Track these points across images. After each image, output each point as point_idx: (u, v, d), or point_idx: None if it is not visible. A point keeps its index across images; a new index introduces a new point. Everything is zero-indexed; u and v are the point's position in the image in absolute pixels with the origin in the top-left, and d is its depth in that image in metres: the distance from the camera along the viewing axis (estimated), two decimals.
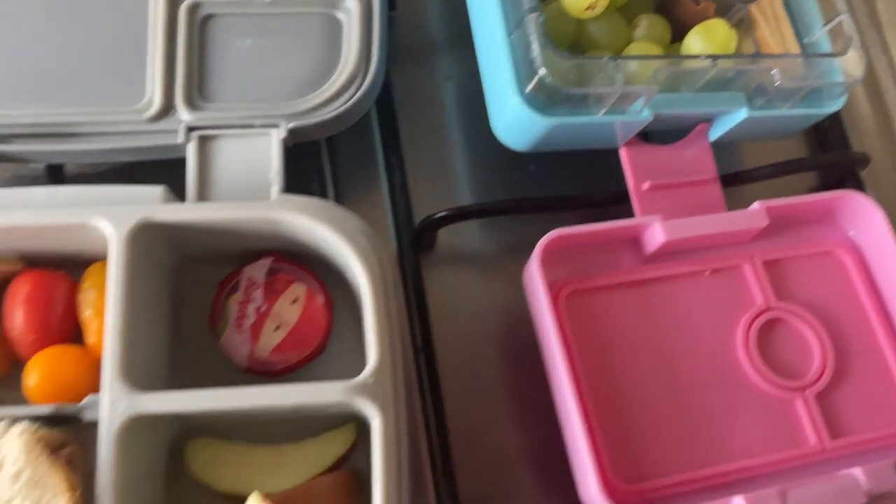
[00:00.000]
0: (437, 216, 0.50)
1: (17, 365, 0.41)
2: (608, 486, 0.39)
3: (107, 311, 0.37)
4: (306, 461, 0.41)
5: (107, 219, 0.38)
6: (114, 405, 0.36)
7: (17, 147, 0.45)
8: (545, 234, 0.44)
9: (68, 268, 0.43)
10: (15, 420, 0.36)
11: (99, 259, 0.43)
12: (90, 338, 0.41)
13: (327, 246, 0.41)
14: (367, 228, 0.41)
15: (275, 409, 0.37)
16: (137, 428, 0.36)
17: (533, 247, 0.45)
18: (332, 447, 0.42)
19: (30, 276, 0.41)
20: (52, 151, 0.45)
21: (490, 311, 0.55)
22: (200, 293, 0.45)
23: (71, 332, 0.42)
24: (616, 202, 0.50)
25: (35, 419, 0.36)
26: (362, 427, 0.42)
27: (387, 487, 0.36)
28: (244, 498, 0.39)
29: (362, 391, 0.37)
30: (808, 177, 0.61)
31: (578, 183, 0.55)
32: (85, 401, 0.37)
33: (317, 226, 0.40)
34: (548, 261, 0.43)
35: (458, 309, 0.55)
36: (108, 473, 0.35)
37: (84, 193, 0.40)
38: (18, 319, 0.40)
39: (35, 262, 0.43)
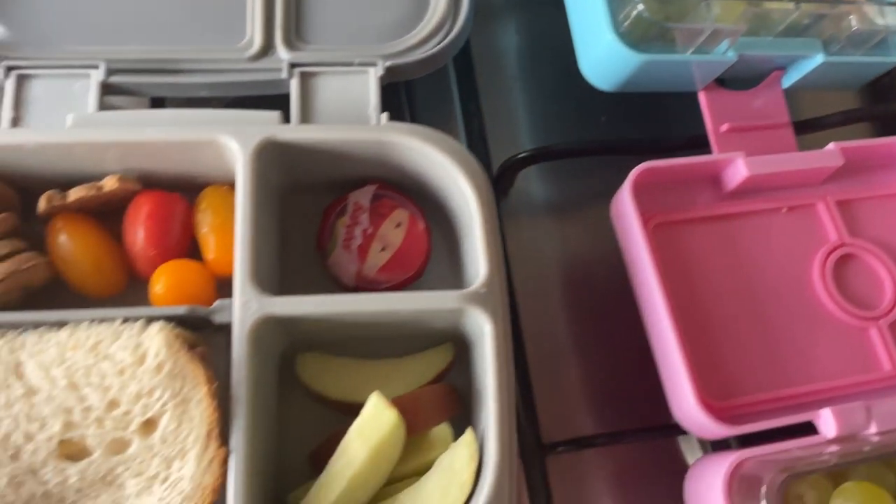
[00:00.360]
0: (519, 156, 0.53)
1: (132, 281, 0.44)
2: (700, 402, 0.41)
3: (237, 221, 0.39)
4: (409, 375, 0.44)
5: (234, 137, 0.41)
6: (245, 306, 0.38)
7: (127, 79, 0.47)
8: (616, 180, 0.47)
9: (181, 191, 0.45)
10: (150, 320, 0.38)
11: (212, 183, 0.45)
12: (208, 254, 0.43)
13: (434, 168, 0.43)
14: (469, 154, 0.43)
15: (394, 315, 0.39)
16: (265, 329, 0.38)
17: (604, 192, 0.48)
18: (432, 363, 0.44)
19: (150, 195, 0.43)
20: (161, 84, 0.48)
21: (562, 255, 0.58)
22: (303, 220, 0.47)
23: (186, 249, 0.44)
24: (692, 147, 0.52)
25: (169, 319, 0.38)
26: (459, 348, 0.45)
27: (500, 390, 0.38)
28: (351, 405, 0.41)
29: (475, 299, 0.39)
30: (864, 131, 0.64)
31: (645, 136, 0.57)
32: (216, 304, 0.39)
33: (427, 148, 0.42)
34: (637, 192, 0.45)
35: (531, 253, 0.57)
36: (241, 369, 0.37)
37: (206, 115, 0.42)
38: (140, 236, 0.43)
39: (150, 185, 0.45)
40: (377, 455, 0.38)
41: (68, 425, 0.36)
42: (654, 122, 0.62)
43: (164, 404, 0.36)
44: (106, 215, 0.45)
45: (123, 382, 0.36)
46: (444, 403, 0.42)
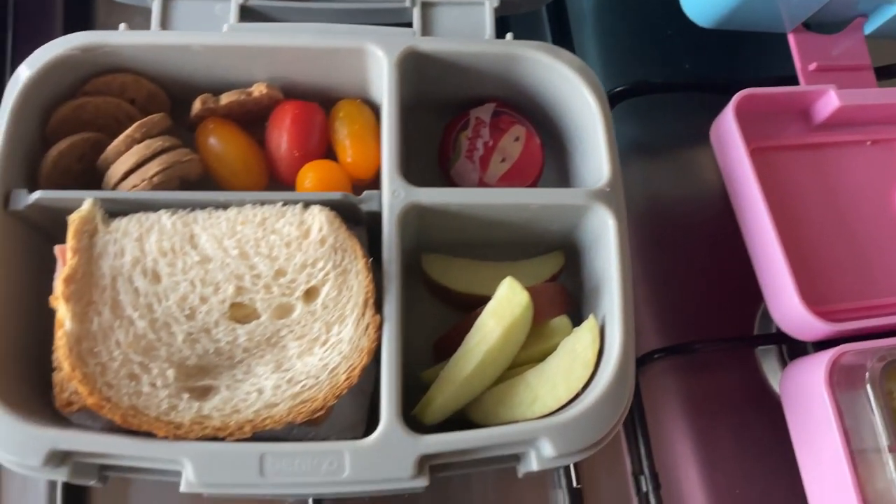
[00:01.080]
0: (616, 90, 0.56)
1: (272, 183, 0.48)
2: (803, 302, 0.45)
3: (384, 121, 0.43)
4: (526, 275, 0.47)
5: (380, 45, 0.44)
6: (395, 195, 0.42)
7: (264, 3, 0.51)
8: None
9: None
10: (307, 204, 0.42)
11: (344, 97, 0.49)
12: (346, 158, 0.47)
13: (557, 82, 0.46)
14: (590, 69, 0.46)
15: (524, 210, 0.43)
16: (410, 216, 0.42)
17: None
18: (546, 266, 0.48)
19: (294, 103, 0.47)
20: (294, 9, 0.51)
21: (642, 191, 0.61)
22: (422, 137, 0.50)
23: (323, 154, 0.48)
24: (780, 85, 0.56)
25: (324, 204, 0.42)
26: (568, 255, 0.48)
27: (624, 279, 0.42)
28: (474, 298, 0.45)
29: (600, 197, 0.43)
30: None
31: None
32: (364, 195, 0.43)
33: (554, 62, 0.45)
34: (738, 116, 0.49)
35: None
36: (391, 249, 0.41)
37: (348, 28, 0.46)
38: (285, 139, 0.46)
39: (289, 96, 0.48)
40: (509, 333, 0.41)
41: (239, 290, 0.40)
42: (731, 69, 0.65)
43: (327, 274, 0.40)
44: (245, 125, 0.48)
45: (290, 253, 0.40)
46: (560, 299, 0.46)
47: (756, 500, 0.52)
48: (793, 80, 0.54)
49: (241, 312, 0.40)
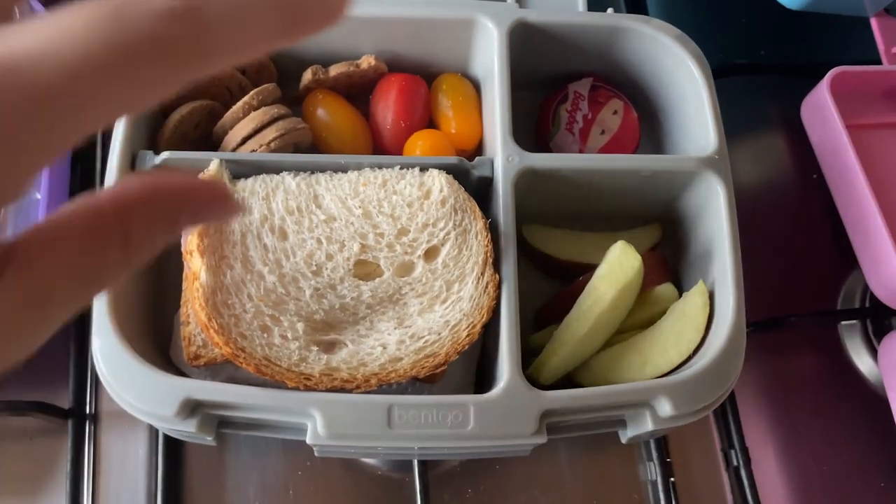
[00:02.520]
0: None
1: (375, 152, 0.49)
2: None
3: (496, 89, 0.44)
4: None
5: (490, 17, 0.46)
6: (509, 160, 0.43)
7: None
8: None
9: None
10: (423, 168, 0.43)
11: (444, 71, 0.50)
12: (450, 129, 0.48)
13: (661, 54, 0.47)
14: (693, 42, 0.47)
15: (634, 176, 0.44)
16: (524, 181, 0.43)
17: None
18: (646, 236, 0.49)
19: (400, 76, 0.48)
20: None
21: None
22: (517, 113, 0.51)
23: (426, 125, 0.49)
24: None
25: (439, 168, 0.43)
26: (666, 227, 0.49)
27: (734, 243, 0.42)
28: (576, 265, 0.46)
29: (710, 164, 0.44)
30: None
31: None
32: (476, 160, 0.44)
33: (659, 34, 0.47)
34: (833, 93, 0.50)
35: None
36: (508, 212, 0.42)
37: (457, 1, 0.47)
38: (392, 109, 0.48)
39: (392, 70, 0.50)
40: (622, 296, 0.42)
41: (364, 248, 0.41)
42: (805, 55, 0.66)
43: (447, 233, 0.41)
44: (348, 97, 0.50)
45: (412, 213, 0.41)
46: (663, 267, 0.47)
47: (843, 475, 0.53)
48: (869, 64, 0.55)
49: (364, 270, 0.41)
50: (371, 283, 0.40)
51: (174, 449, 0.49)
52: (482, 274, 0.40)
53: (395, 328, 0.40)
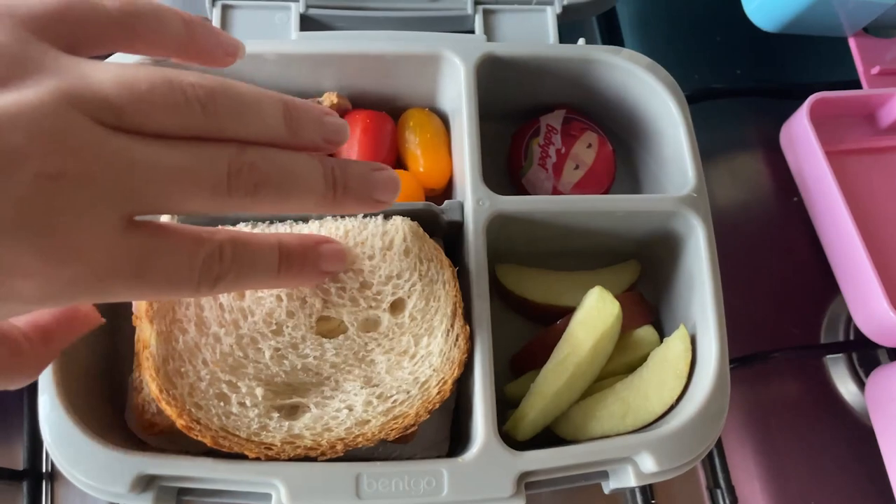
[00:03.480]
0: None
1: None
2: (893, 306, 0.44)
3: (464, 129, 0.42)
4: (605, 283, 0.45)
5: (456, 52, 0.44)
6: (480, 203, 0.41)
7: (323, 12, 0.50)
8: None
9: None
10: (388, 215, 0.40)
11: (411, 106, 0.48)
12: (418, 167, 0.46)
13: (635, 86, 0.46)
14: (668, 74, 0.46)
15: (610, 217, 0.42)
16: (494, 226, 0.41)
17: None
18: (624, 274, 0.47)
19: (364, 113, 0.46)
20: (353, 18, 0.50)
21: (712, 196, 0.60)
22: (486, 147, 0.49)
23: (393, 163, 0.47)
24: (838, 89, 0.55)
25: (405, 214, 0.41)
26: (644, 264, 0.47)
27: (715, 284, 0.41)
28: (551, 308, 0.44)
29: (688, 203, 0.42)
30: None
31: None
32: (446, 204, 0.42)
33: (632, 66, 0.45)
34: (812, 119, 0.48)
35: None
36: (479, 255, 0.40)
37: (417, 35, 0.45)
38: (355, 148, 0.45)
39: (357, 107, 0.47)
40: (600, 344, 0.40)
41: (326, 303, 0.38)
42: (782, 76, 0.65)
43: (413, 285, 0.39)
44: None
45: (374, 266, 0.39)
46: (642, 308, 0.45)
47: None
48: (848, 86, 0.54)
49: (327, 327, 0.39)
50: (335, 341, 0.38)
51: None
52: (452, 326, 0.38)
53: (362, 388, 0.38)
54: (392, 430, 0.37)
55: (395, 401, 0.37)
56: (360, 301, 0.39)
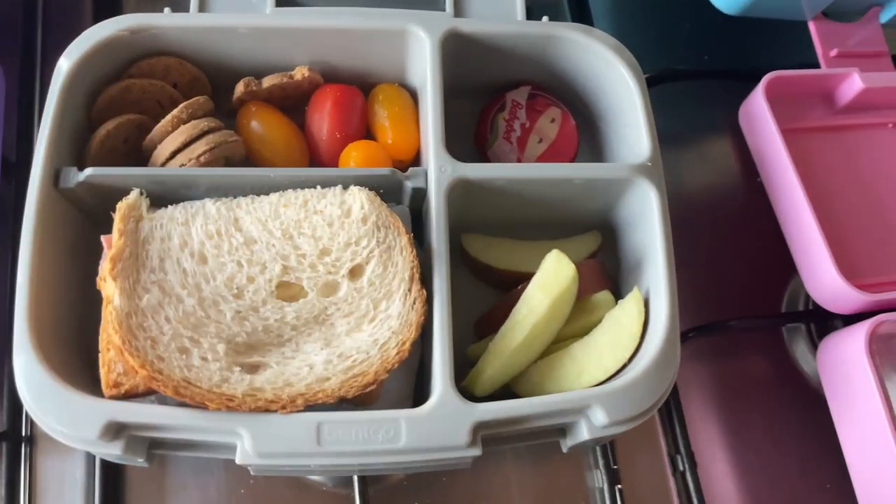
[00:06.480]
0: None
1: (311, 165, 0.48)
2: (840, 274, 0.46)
3: (427, 99, 0.44)
4: (566, 252, 0.47)
5: (422, 27, 0.45)
6: (441, 170, 0.43)
7: None
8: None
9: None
10: (356, 181, 0.42)
11: (381, 81, 0.50)
12: (386, 139, 0.48)
13: (594, 62, 0.47)
14: (626, 49, 0.47)
15: (567, 185, 0.44)
16: (455, 193, 0.43)
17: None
18: (585, 244, 0.49)
19: (335, 87, 0.48)
20: None
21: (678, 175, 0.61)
22: (455, 122, 0.51)
23: (362, 135, 0.49)
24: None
25: (370, 180, 0.42)
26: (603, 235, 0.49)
27: (667, 250, 0.42)
28: (515, 275, 0.45)
29: (643, 171, 0.44)
30: None
31: None
32: (410, 171, 0.44)
33: (592, 42, 0.47)
34: (768, 97, 0.50)
35: None
36: (439, 223, 0.42)
37: (386, 12, 0.47)
38: (326, 121, 0.47)
39: (328, 81, 0.49)
40: (557, 305, 0.42)
41: (286, 269, 0.40)
42: (748, 60, 0.67)
43: (371, 251, 0.40)
44: (283, 109, 0.49)
45: (333, 233, 0.41)
46: (600, 275, 0.47)
47: (790, 476, 0.53)
48: (808, 68, 0.56)
49: (288, 292, 0.40)
50: (295, 305, 0.40)
51: (112, 471, 0.48)
52: (409, 290, 0.40)
53: (322, 349, 0.39)
54: (352, 388, 0.38)
55: (354, 360, 0.39)
56: (319, 267, 0.40)
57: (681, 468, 0.51)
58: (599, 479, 0.50)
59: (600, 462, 0.50)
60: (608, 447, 0.51)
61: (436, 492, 0.50)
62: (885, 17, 0.58)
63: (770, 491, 0.53)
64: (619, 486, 0.50)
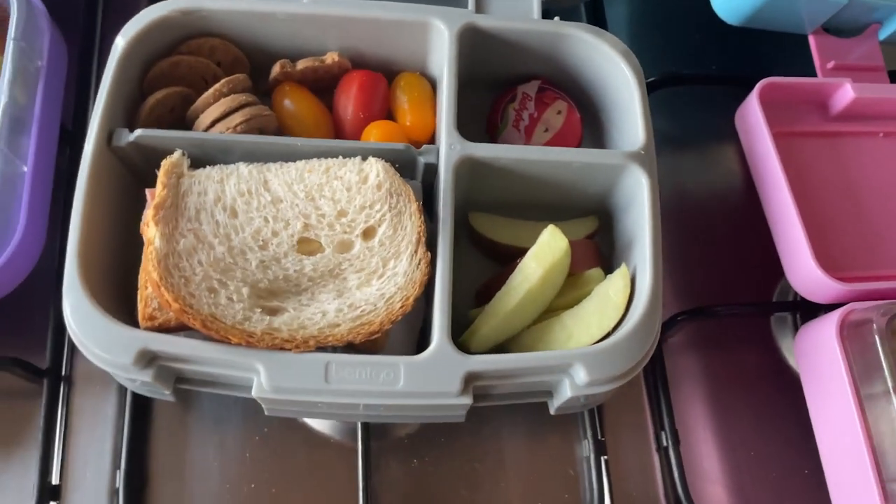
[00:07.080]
0: (647, 80, 0.61)
1: None
2: (819, 265, 0.49)
3: (443, 84, 0.49)
4: (564, 231, 0.51)
5: (442, 19, 0.50)
6: (451, 148, 0.47)
7: None
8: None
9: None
10: (376, 153, 0.47)
11: (404, 70, 0.55)
12: (405, 121, 0.52)
13: (598, 59, 0.52)
14: (628, 48, 0.51)
15: (567, 167, 0.48)
16: (463, 169, 0.47)
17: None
18: (582, 226, 0.53)
19: (361, 72, 0.53)
20: None
21: (679, 176, 0.65)
22: (468, 112, 0.55)
23: (384, 116, 0.53)
24: None
25: (388, 153, 0.47)
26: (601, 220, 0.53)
27: (654, 231, 0.46)
28: (517, 250, 0.49)
29: (636, 158, 0.48)
30: None
31: None
32: (423, 147, 0.48)
33: (597, 41, 0.51)
34: (762, 101, 0.54)
35: None
36: (447, 195, 0.46)
37: (411, 6, 0.51)
38: (352, 102, 0.52)
39: (356, 66, 0.54)
40: (549, 274, 0.46)
41: (306, 227, 0.45)
42: (752, 69, 0.70)
43: (383, 215, 0.45)
44: (314, 91, 0.54)
45: (350, 197, 0.45)
46: (593, 253, 0.51)
47: (770, 459, 0.56)
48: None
49: (307, 247, 0.45)
50: (313, 258, 0.44)
51: (141, 411, 0.53)
52: (416, 252, 0.44)
53: (335, 299, 0.44)
54: (359, 335, 0.42)
55: (362, 311, 0.43)
56: (336, 226, 0.45)
57: (664, 444, 0.54)
58: (587, 448, 0.54)
59: (588, 433, 0.54)
60: (596, 419, 0.54)
61: (434, 449, 0.54)
62: (883, 34, 0.61)
63: (750, 472, 0.56)
64: (605, 456, 0.54)
